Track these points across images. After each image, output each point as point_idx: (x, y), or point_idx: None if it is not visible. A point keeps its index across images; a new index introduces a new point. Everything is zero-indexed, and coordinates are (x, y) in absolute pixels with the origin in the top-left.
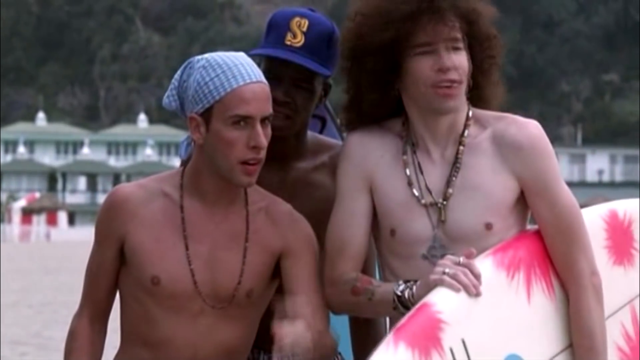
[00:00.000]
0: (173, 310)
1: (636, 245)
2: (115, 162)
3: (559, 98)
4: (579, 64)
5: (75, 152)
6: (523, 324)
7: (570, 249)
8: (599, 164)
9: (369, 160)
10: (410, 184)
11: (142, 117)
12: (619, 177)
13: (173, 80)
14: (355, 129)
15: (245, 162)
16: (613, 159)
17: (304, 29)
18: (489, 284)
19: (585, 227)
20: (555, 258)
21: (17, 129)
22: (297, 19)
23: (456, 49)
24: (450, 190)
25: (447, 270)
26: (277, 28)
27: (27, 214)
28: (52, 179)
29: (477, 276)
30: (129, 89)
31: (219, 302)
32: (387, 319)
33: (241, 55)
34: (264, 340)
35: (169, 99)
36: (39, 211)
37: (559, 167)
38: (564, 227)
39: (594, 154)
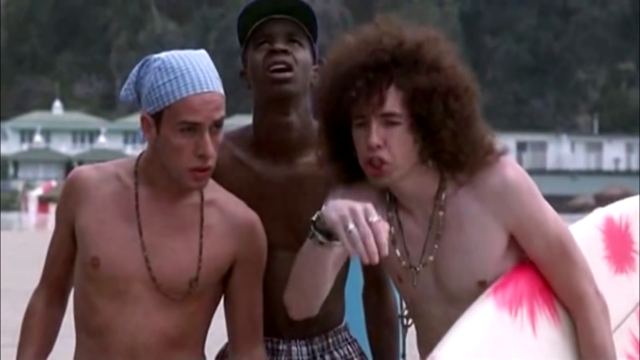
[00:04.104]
0: (112, 295)
1: (636, 247)
2: (131, 150)
3: (575, 86)
4: (595, 52)
5: (91, 140)
6: (532, 357)
7: (570, 275)
8: (615, 152)
9: None
10: (394, 242)
11: None
12: (635, 166)
13: (131, 75)
14: (341, 183)
15: (194, 169)
16: (629, 148)
17: None
18: (493, 326)
19: (579, 248)
20: (556, 287)
21: (33, 118)
22: None
23: (391, 123)
24: (431, 258)
25: (351, 227)
26: None
27: (44, 202)
28: (69, 167)
29: (381, 245)
30: None
31: (160, 289)
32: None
33: (199, 57)
34: (283, 329)
35: (126, 92)
36: (55, 200)
37: (542, 202)
38: (560, 256)
39: (611, 143)
